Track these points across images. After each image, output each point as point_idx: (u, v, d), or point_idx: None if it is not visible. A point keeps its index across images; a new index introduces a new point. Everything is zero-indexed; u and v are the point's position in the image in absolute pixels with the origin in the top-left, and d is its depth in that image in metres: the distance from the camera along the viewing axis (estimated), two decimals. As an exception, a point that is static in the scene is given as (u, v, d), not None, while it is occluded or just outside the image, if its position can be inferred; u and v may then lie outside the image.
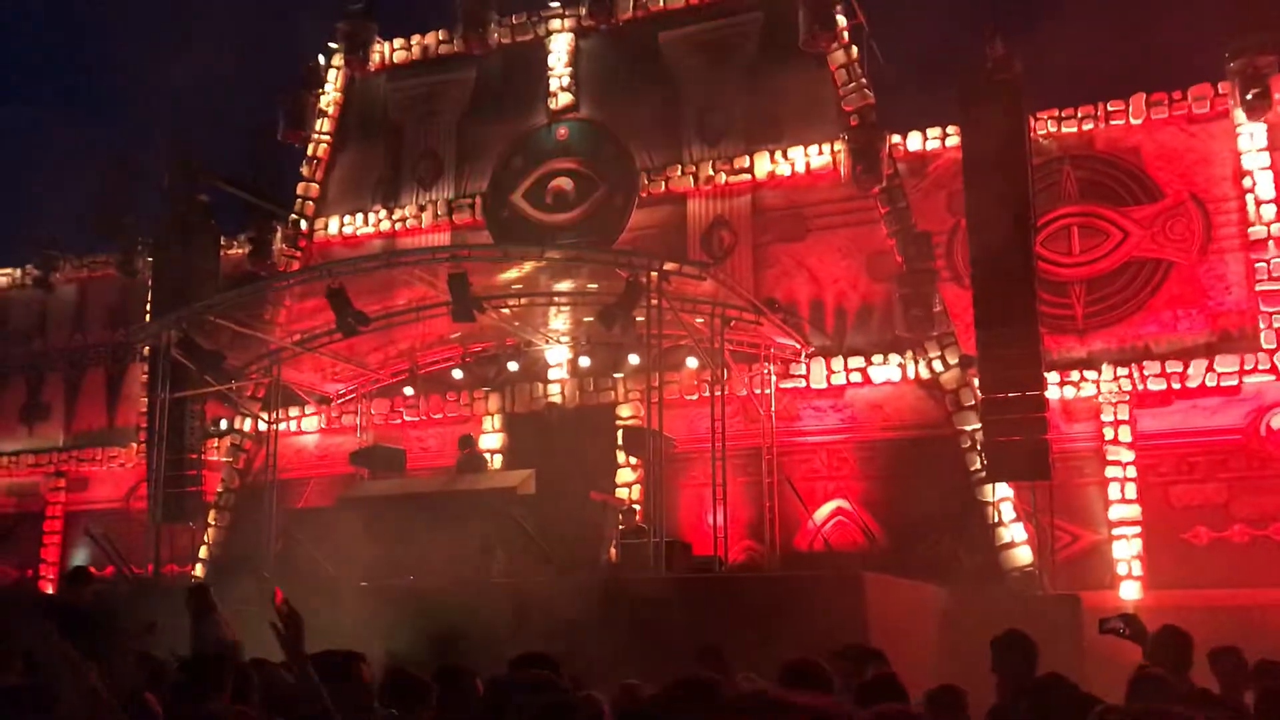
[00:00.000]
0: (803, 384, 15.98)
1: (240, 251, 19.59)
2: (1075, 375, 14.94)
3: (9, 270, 22.30)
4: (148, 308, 19.57)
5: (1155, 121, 15.44)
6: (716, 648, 6.17)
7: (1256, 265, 14.65)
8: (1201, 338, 14.78)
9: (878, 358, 15.74)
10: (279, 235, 19.33)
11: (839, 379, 15.86)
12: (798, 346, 15.82)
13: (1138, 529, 14.43)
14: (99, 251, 21.35)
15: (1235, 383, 14.39)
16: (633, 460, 16.01)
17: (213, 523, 18.33)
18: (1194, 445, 14.55)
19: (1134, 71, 15.77)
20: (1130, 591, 14.09)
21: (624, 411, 16.73)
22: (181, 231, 18.24)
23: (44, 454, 20.92)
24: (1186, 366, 14.55)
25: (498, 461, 16.97)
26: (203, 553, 18.07)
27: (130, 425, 20.34)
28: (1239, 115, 14.87)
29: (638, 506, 15.37)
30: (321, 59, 20.02)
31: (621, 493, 16.00)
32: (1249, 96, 14.64)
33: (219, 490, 18.60)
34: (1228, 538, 14.15)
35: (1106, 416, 14.83)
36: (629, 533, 13.82)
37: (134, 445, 19.98)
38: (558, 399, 17.17)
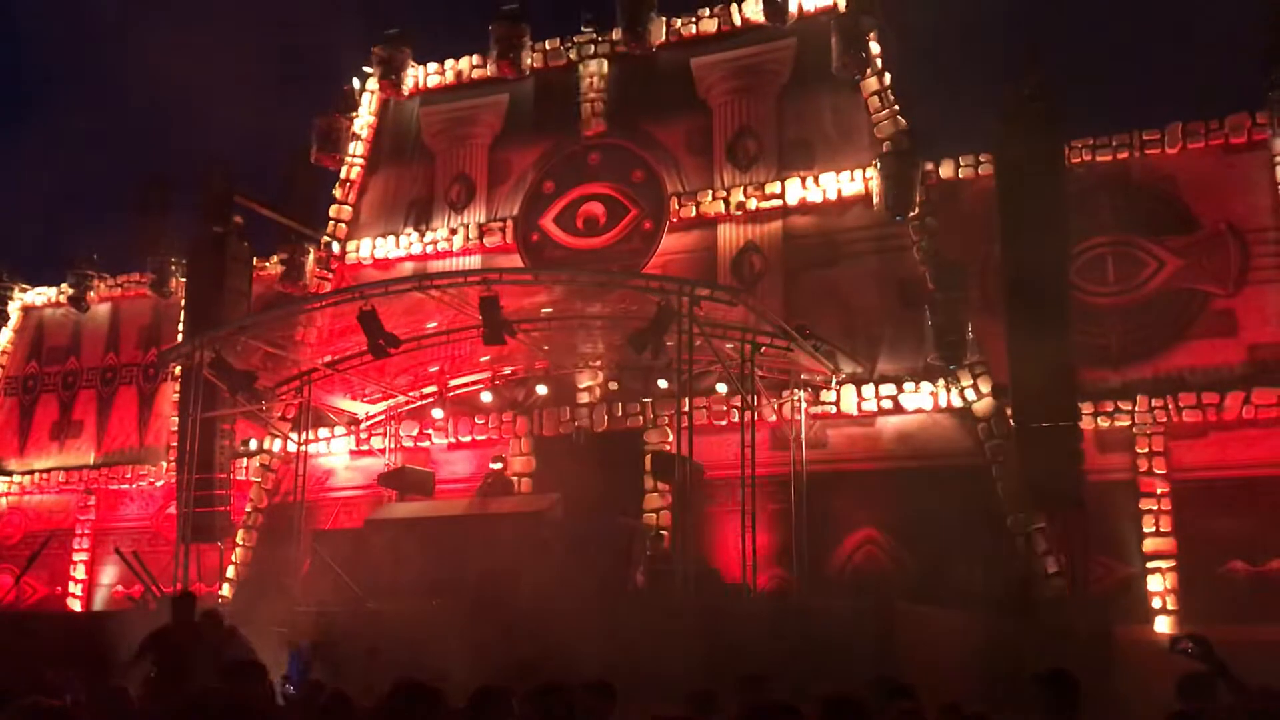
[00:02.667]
0: (833, 410, 15.88)
1: (272, 273, 19.73)
2: (1109, 406, 14.77)
3: (45, 289, 22.54)
4: (180, 327, 19.71)
5: (1192, 150, 15.31)
6: (760, 676, 6.07)
7: (1295, 296, 14.48)
8: (1238, 369, 14.60)
9: (909, 385, 15.63)
10: (311, 257, 19.46)
11: (870, 406, 15.76)
12: (828, 373, 15.72)
13: (1173, 562, 14.23)
14: (133, 271, 21.56)
15: (1273, 414, 14.19)
16: (660, 486, 15.94)
17: (240, 542, 18.37)
18: (1231, 477, 14.34)
19: (1170, 100, 15.68)
20: (1164, 625, 13.87)
21: (652, 437, 16.68)
22: (215, 252, 18.36)
23: (75, 471, 21.06)
24: (1223, 398, 14.37)
25: (525, 485, 16.94)
26: (230, 572, 18.10)
27: (161, 444, 20.47)
28: (1277, 144, 14.73)
29: (665, 532, 15.29)
30: (356, 83, 20.19)
31: (649, 518, 15.94)
32: (1288, 126, 14.51)
33: (247, 510, 18.64)
34: (1266, 571, 13.90)
35: (1141, 448, 14.66)
36: (656, 558, 13.75)
37: (164, 464, 20.09)
38: (586, 423, 17.12)
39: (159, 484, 20.26)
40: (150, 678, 8.88)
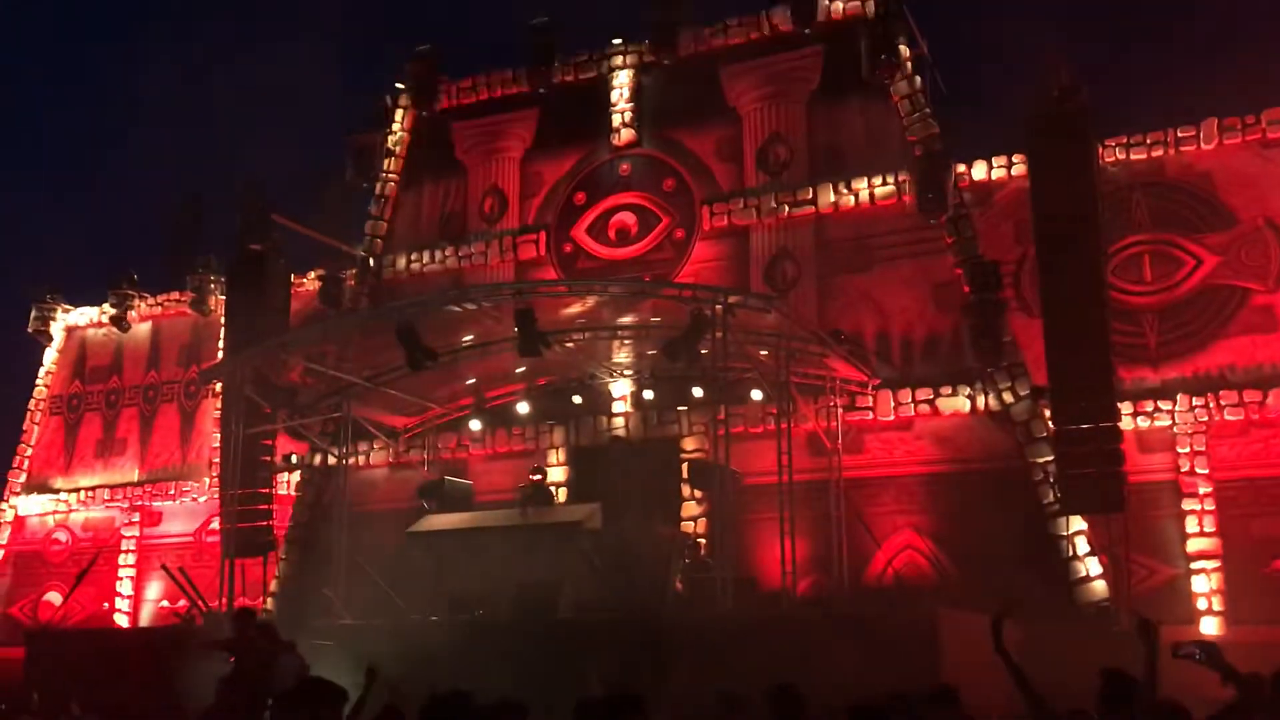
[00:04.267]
0: (870, 416, 15.83)
1: (310, 289, 19.94)
2: (1149, 406, 14.66)
3: (87, 309, 22.88)
4: (220, 345, 19.95)
5: (1228, 146, 15.18)
6: (793, 687, 6.06)
7: (1336, 291, 14.31)
8: (1280, 366, 14.44)
9: (946, 389, 15.56)
10: (349, 273, 19.64)
11: (907, 411, 15.71)
12: (864, 378, 15.69)
13: (1217, 563, 14.09)
14: (172, 290, 21.84)
15: (1317, 412, 14.04)
16: (698, 494, 15.95)
17: (284, 557, 18.53)
18: (1275, 476, 14.18)
19: (1205, 95, 15.54)
20: (1210, 627, 13.73)
21: (689, 445, 16.70)
22: (253, 270, 18.56)
23: (119, 488, 21.35)
24: (1265, 396, 14.22)
25: (563, 495, 17.00)
26: (274, 586, 18.27)
27: (203, 460, 20.71)
28: (1315, 139, 14.59)
29: (703, 540, 15.30)
30: (389, 100, 20.38)
31: (687, 526, 15.95)
32: (1325, 119, 14.37)
33: (290, 524, 18.81)
34: (1313, 572, 13.75)
35: (1182, 447, 14.53)
36: (694, 567, 13.77)
37: (207, 480, 20.32)
38: (622, 432, 17.17)
39: (202, 500, 20.49)
40: (223, 679, 9.04)
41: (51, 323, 22.92)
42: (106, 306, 22.29)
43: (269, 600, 17.96)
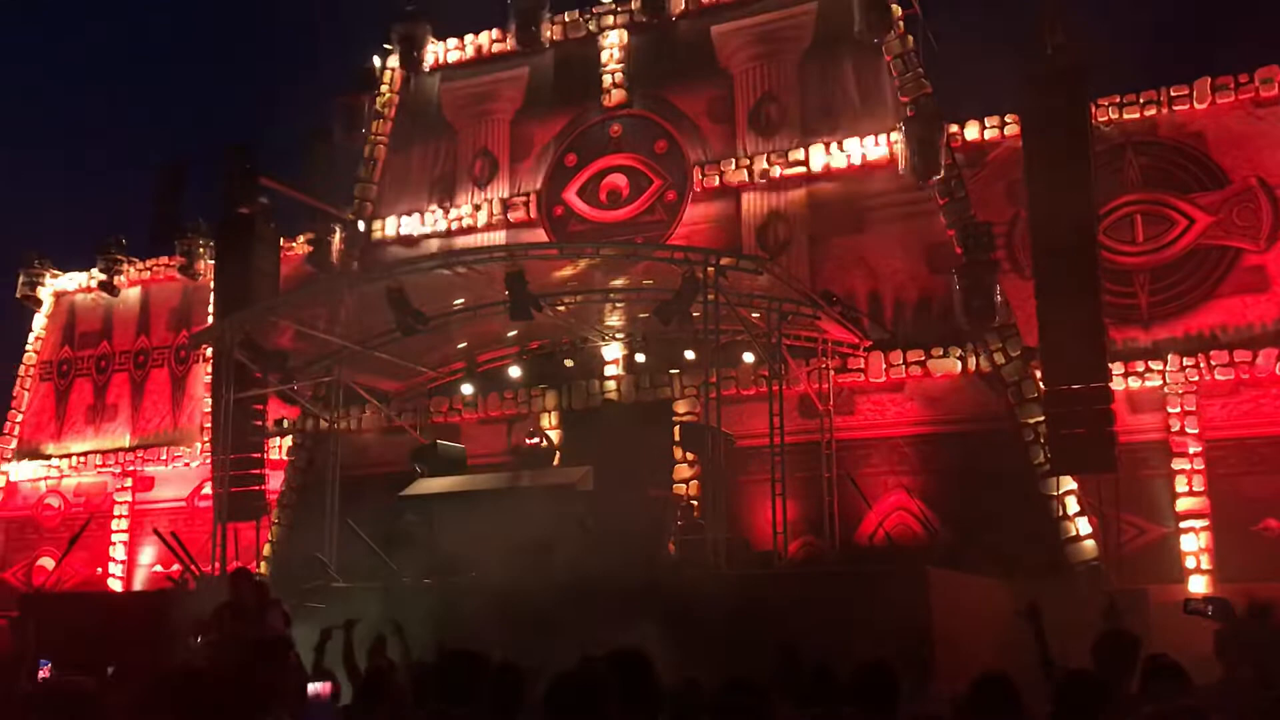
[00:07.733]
0: (861, 377, 15.84)
1: (299, 253, 19.85)
2: (1140, 366, 14.68)
3: (75, 274, 22.74)
4: (210, 309, 19.87)
5: (1220, 105, 15.11)
6: (792, 646, 6.10)
7: (1328, 251, 14.31)
8: (1271, 326, 14.46)
9: (938, 350, 15.56)
10: (338, 236, 19.54)
11: (898, 372, 15.71)
12: (856, 340, 15.68)
13: (1206, 521, 14.17)
14: (161, 255, 21.72)
15: (1307, 371, 14.07)
16: (690, 456, 15.97)
17: (276, 521, 18.56)
18: (1264, 435, 14.24)
19: (1197, 54, 15.46)
20: (1199, 585, 13.82)
21: (681, 407, 16.70)
22: (242, 234, 18.46)
23: (111, 454, 21.32)
24: (1255, 356, 14.24)
25: (555, 458, 17.01)
26: (266, 550, 18.30)
27: (194, 425, 20.68)
28: (1308, 97, 14.53)
29: (695, 502, 15.34)
30: (376, 60, 20.21)
31: (679, 489, 15.99)
32: (1319, 78, 14.30)
33: (281, 489, 18.83)
34: (1300, 530, 13.84)
35: (1173, 408, 14.57)
36: (687, 528, 13.81)
37: (198, 445, 20.30)
38: (614, 395, 17.16)
39: (194, 465, 20.48)
40: (211, 642, 9.11)
41: (40, 288, 22.79)
42: (95, 271, 22.15)
43: (262, 564, 17.98)
